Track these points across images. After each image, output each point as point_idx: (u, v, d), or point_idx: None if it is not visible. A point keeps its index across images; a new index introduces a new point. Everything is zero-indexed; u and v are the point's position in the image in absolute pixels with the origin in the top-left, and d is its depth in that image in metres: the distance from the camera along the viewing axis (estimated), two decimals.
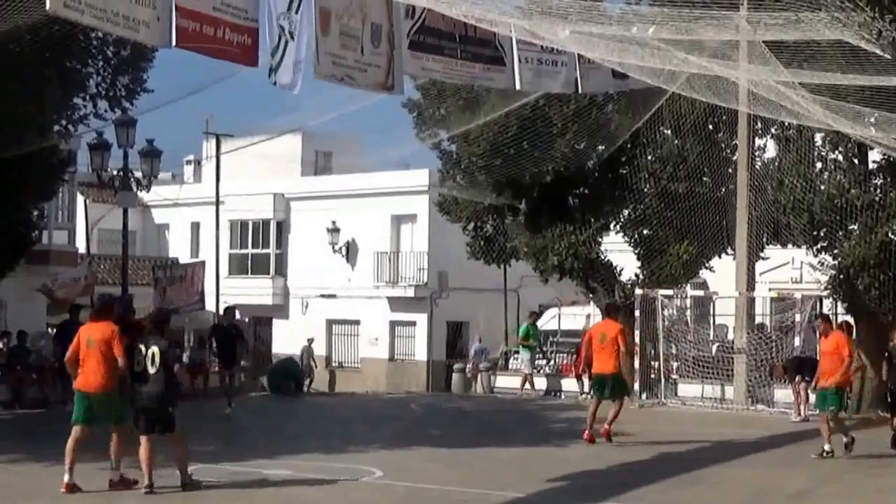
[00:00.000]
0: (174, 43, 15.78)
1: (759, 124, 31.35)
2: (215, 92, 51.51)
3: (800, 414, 27.67)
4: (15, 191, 28.36)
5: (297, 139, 58.59)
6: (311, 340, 48.48)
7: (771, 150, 32.86)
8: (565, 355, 40.92)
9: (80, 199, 44.95)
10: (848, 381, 22.39)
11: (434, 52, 19.77)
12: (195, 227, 59.10)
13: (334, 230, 54.04)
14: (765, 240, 32.52)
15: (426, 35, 19.64)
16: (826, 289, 30.25)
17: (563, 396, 36.91)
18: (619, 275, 36.03)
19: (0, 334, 32.50)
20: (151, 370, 16.39)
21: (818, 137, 29.93)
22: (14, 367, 30.50)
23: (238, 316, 32.95)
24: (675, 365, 33.60)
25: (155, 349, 16.42)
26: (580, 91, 23.42)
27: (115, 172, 36.05)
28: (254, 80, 17.00)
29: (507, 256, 39.33)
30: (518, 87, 21.48)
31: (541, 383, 38.51)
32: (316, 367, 48.32)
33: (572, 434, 23.18)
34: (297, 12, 16.72)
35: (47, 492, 15.72)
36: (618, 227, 35.78)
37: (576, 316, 43.47)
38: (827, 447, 20.39)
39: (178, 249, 58.68)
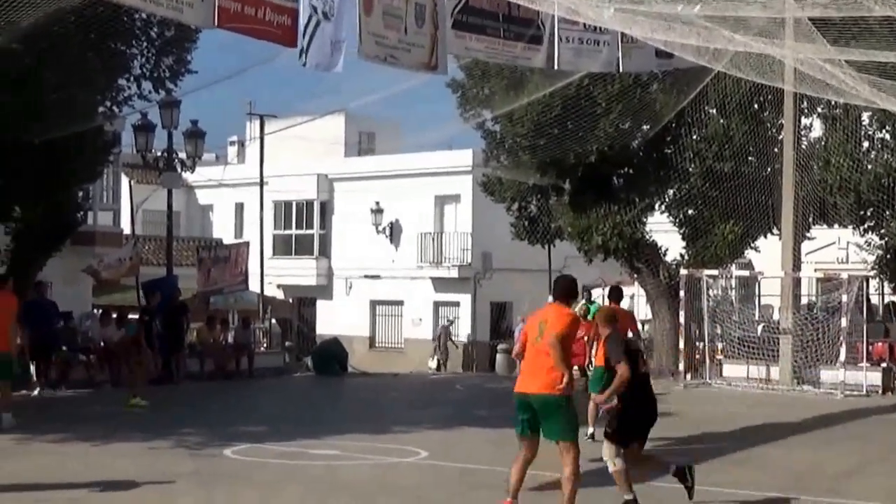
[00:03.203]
0: (216, 23, 15.79)
1: (806, 103, 31.14)
2: (258, 72, 51.51)
3: None
4: (61, 172, 28.48)
5: (341, 120, 58.64)
6: (450, 321, 48.58)
7: (817, 130, 32.66)
8: None
9: (124, 180, 45.12)
10: None
11: (477, 31, 19.72)
12: (239, 207, 59.27)
13: (378, 211, 54.08)
14: (811, 220, 32.33)
15: (469, 14, 19.59)
16: (872, 269, 30.03)
17: None
18: (664, 255, 35.92)
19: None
20: None
21: (865, 116, 29.72)
22: (60, 347, 30.63)
23: (283, 295, 32.98)
24: (719, 346, 33.43)
25: None
26: (622, 70, 23.30)
27: (159, 153, 36.20)
28: (297, 61, 16.98)
29: (551, 237, 39.29)
30: (557, 66, 21.39)
31: None
32: (457, 348, 48.49)
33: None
34: None
35: (96, 471, 15.76)
36: (662, 206, 35.67)
37: None
38: None
39: (222, 230, 58.88)
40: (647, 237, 35.65)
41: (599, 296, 38.75)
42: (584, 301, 30.49)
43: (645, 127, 33.77)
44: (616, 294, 20.90)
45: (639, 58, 22.26)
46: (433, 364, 47.31)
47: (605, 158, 33.76)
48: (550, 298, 13.04)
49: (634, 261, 35.70)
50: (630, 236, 34.71)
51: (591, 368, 20.45)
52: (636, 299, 44.90)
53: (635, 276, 37.32)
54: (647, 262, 35.50)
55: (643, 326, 41.44)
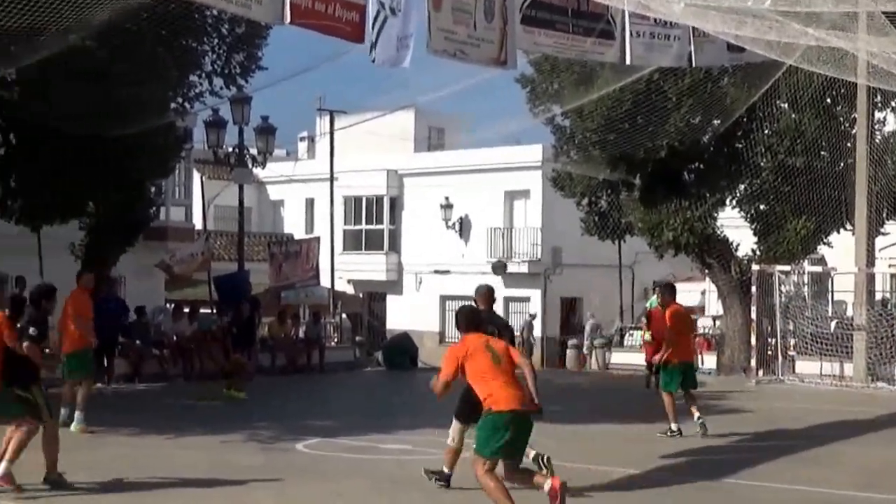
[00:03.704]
0: (287, 20, 15.86)
1: (879, 97, 30.86)
2: (328, 68, 51.67)
3: None
4: (134, 168, 28.73)
5: (410, 115, 58.74)
6: (532, 316, 48.56)
7: (891, 123, 32.35)
8: None
9: (196, 175, 45.47)
10: None
11: (546, 26, 19.66)
12: (309, 203, 59.52)
13: (447, 206, 54.11)
14: (885, 215, 32.05)
15: (538, 9, 19.54)
16: None
17: None
18: (736, 250, 35.71)
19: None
20: None
21: None
22: (133, 341, 30.92)
23: (353, 290, 33.13)
24: (792, 342, 33.20)
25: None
26: (693, 65, 23.16)
27: (230, 149, 36.43)
28: (366, 57, 17.03)
29: (621, 232, 39.18)
30: (628, 61, 21.29)
31: None
32: (534, 342, 48.52)
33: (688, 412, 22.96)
34: None
35: (169, 464, 15.89)
36: (734, 202, 35.46)
37: (691, 292, 43.13)
38: None
39: (293, 226, 59.16)
40: (719, 232, 35.46)
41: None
42: (654, 297, 30.41)
43: (716, 121, 33.57)
44: (669, 291, 20.83)
45: (711, 52, 22.11)
46: None
47: (675, 153, 33.61)
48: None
49: (705, 256, 35.52)
50: (701, 232, 34.53)
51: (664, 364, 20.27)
52: (707, 295, 44.76)
53: (706, 271, 37.14)
54: (718, 258, 35.31)
55: (714, 322, 41.32)
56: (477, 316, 13.33)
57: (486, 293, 15.23)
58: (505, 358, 12.63)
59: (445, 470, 14.54)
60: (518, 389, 12.56)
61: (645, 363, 29.75)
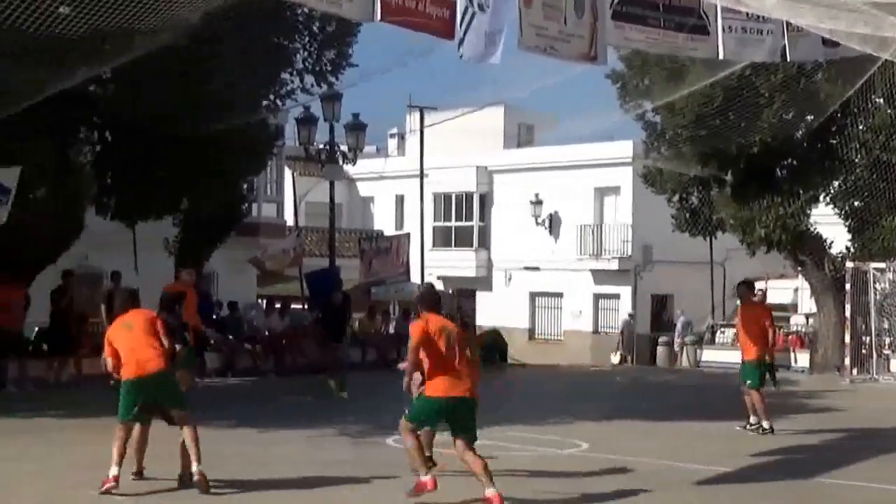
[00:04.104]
0: (378, 17, 15.92)
1: None
2: (419, 65, 51.85)
3: None
4: (226, 165, 29.01)
5: (500, 112, 58.66)
6: (631, 315, 48.45)
7: None
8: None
9: (287, 172, 45.76)
10: None
11: (637, 21, 19.55)
12: (399, 199, 59.69)
13: (537, 202, 54.02)
14: None
15: (629, 5, 19.44)
16: None
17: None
18: (829, 247, 35.36)
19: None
20: None
21: None
22: (226, 336, 31.24)
23: (443, 287, 33.17)
24: (887, 340, 32.82)
25: None
26: (787, 60, 22.94)
27: (321, 146, 36.63)
28: (455, 53, 17.05)
29: (712, 229, 38.92)
30: (721, 56, 21.11)
31: None
32: (633, 342, 48.37)
33: (782, 410, 22.77)
34: None
35: (260, 457, 16.04)
36: (827, 198, 35.12)
37: (783, 290, 42.78)
38: None
39: (383, 222, 59.35)
40: (812, 229, 35.14)
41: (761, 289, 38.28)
42: None
43: (809, 117, 33.26)
44: (743, 288, 20.81)
45: (805, 46, 21.85)
46: (616, 359, 46.96)
47: (767, 149, 33.34)
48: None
49: (798, 253, 35.22)
50: (794, 228, 34.24)
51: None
52: (800, 293, 44.32)
53: (799, 268, 36.81)
54: (811, 255, 34.99)
55: (807, 320, 40.93)
56: (438, 297, 14.17)
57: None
58: (458, 346, 13.56)
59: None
60: (459, 378, 13.63)
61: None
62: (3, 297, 25.65)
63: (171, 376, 13.80)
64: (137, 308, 14.38)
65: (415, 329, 13.45)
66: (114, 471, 13.26)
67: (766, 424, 19.73)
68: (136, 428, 13.77)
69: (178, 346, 14.30)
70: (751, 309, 20.43)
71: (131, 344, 13.64)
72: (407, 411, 13.80)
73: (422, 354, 13.40)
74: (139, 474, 13.96)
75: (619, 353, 47.40)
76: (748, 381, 19.93)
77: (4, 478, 14.35)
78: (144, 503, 13.13)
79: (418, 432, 13.83)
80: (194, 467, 13.41)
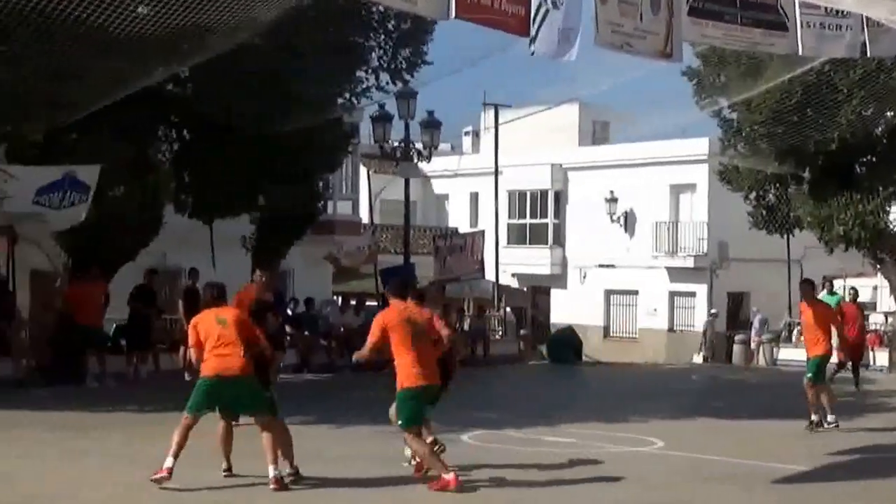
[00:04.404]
0: (452, 14, 15.95)
1: None
2: (494, 62, 51.80)
3: None
4: (302, 163, 29.18)
5: (574, 109, 58.54)
6: (714, 314, 48.23)
7: None
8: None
9: (363, 170, 45.93)
10: None
11: (714, 18, 19.45)
12: (474, 197, 59.71)
13: (612, 200, 53.87)
14: None
15: (706, 1, 19.36)
16: None
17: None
18: None
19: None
20: None
21: None
22: (302, 332, 31.42)
23: (517, 284, 33.18)
24: None
25: None
26: (867, 55, 22.74)
27: (396, 144, 36.73)
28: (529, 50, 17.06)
29: (790, 226, 38.66)
30: (800, 52, 20.96)
31: None
32: (715, 340, 48.07)
33: (860, 409, 22.60)
34: None
35: (334, 453, 16.13)
36: None
37: (863, 288, 42.41)
38: None
39: (458, 219, 59.43)
40: (892, 227, 34.78)
41: (840, 286, 38.09)
42: (825, 292, 30.02)
43: (889, 113, 32.93)
44: (809, 286, 20.78)
45: (885, 42, 21.62)
46: (699, 359, 46.66)
47: (846, 146, 33.03)
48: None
49: (878, 251, 34.87)
50: (873, 226, 33.91)
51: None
52: (879, 291, 43.89)
53: (878, 266, 36.45)
54: (890, 253, 34.65)
55: (886, 319, 40.55)
56: (405, 284, 14.87)
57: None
58: (427, 331, 14.07)
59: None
60: (427, 366, 13.90)
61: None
62: (83, 293, 25.94)
63: (251, 382, 13.70)
64: (225, 304, 14.37)
65: (375, 320, 14.23)
66: (168, 462, 13.22)
67: (814, 418, 19.78)
68: (222, 424, 13.78)
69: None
70: (813, 307, 20.37)
71: (219, 341, 13.56)
72: (400, 421, 13.96)
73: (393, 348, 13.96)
74: (229, 471, 13.91)
75: (702, 353, 47.10)
76: (808, 375, 19.96)
77: (84, 471, 14.53)
78: (222, 498, 13.26)
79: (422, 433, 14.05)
80: (270, 471, 13.40)
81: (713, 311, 48.66)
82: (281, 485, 13.37)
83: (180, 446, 13.30)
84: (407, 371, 13.79)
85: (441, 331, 14.43)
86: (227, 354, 13.51)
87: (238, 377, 13.51)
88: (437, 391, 14.36)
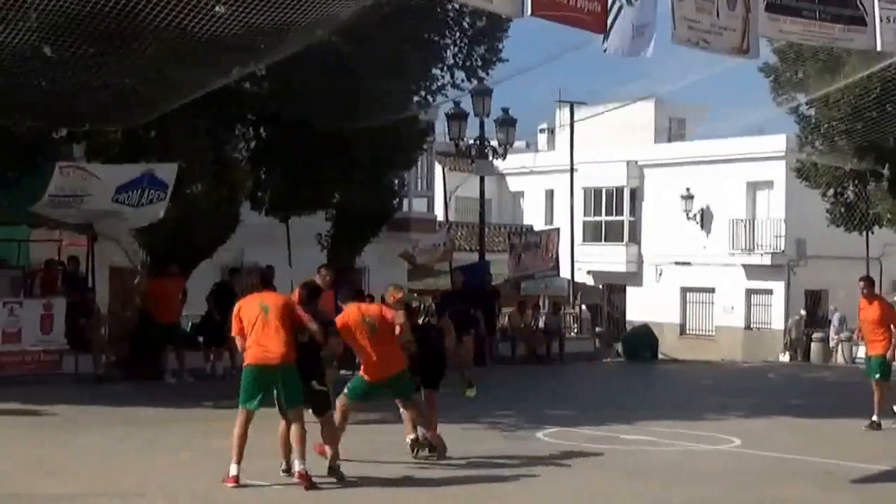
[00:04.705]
0: (528, 12, 15.95)
1: None
2: (568, 60, 51.76)
3: None
4: (378, 160, 29.27)
5: (650, 106, 58.32)
6: (802, 315, 47.93)
7: None
8: None
9: (438, 167, 46.00)
10: None
11: (791, 13, 19.32)
12: (549, 194, 59.65)
13: (688, 197, 53.63)
14: None
15: None
16: None
17: None
18: None
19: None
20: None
21: None
22: None
23: (592, 282, 33.09)
24: None
25: None
26: None
27: (471, 141, 36.77)
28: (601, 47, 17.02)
29: (869, 223, 38.29)
30: (879, 47, 20.78)
31: None
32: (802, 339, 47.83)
33: None
34: None
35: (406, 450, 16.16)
36: None
37: None
38: None
39: (533, 216, 59.40)
40: None
41: None
42: None
43: None
44: (867, 283, 20.69)
45: None
46: (784, 357, 46.32)
47: None
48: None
49: None
50: None
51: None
52: None
53: None
54: None
55: None
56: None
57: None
58: (380, 326, 14.38)
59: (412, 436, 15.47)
60: (385, 359, 14.44)
61: None
62: (161, 290, 26.19)
63: (291, 371, 13.39)
64: (272, 290, 14.06)
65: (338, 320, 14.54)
66: (233, 470, 13.11)
67: (875, 417, 19.66)
68: (282, 424, 13.53)
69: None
70: (874, 303, 20.20)
71: (262, 328, 13.33)
72: (346, 389, 14.71)
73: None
74: (287, 471, 13.67)
75: (787, 352, 46.75)
76: (875, 375, 19.83)
77: (164, 466, 14.68)
78: (288, 495, 13.31)
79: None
80: (297, 465, 13.23)
81: (801, 311, 48.18)
82: (308, 479, 13.20)
83: (240, 448, 13.21)
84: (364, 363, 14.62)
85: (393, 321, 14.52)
86: (269, 342, 13.28)
87: (278, 365, 13.28)
88: (397, 382, 14.88)
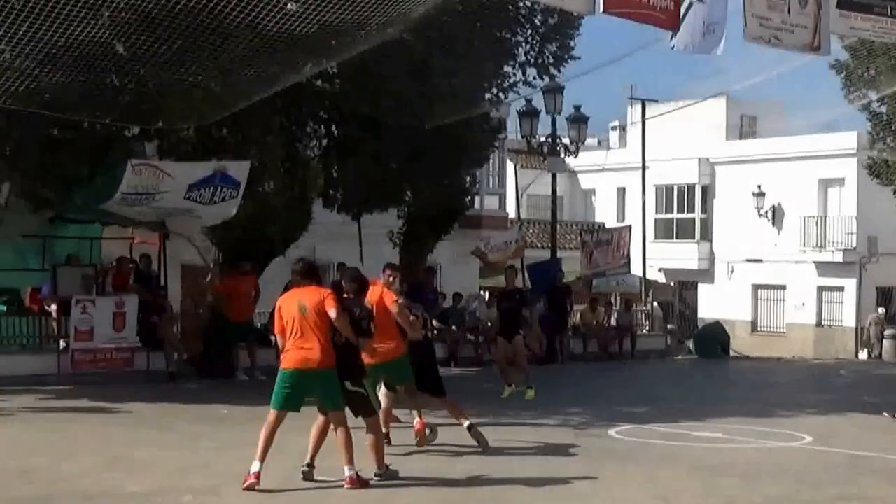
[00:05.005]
0: (600, 9, 16.01)
1: None
2: (639, 57, 51.66)
3: None
4: (450, 158, 29.36)
5: (722, 103, 58.10)
6: (882, 313, 47.66)
7: None
8: None
9: (510, 165, 46.07)
10: None
11: (862, 10, 19.28)
12: (621, 191, 59.59)
13: (760, 194, 53.41)
14: None
15: None
16: None
17: None
18: None
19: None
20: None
21: None
22: (450, 327, 31.65)
23: (664, 279, 33.06)
24: None
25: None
26: None
27: (543, 138, 36.82)
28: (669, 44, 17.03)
29: None
30: None
31: None
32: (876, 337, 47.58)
33: None
34: None
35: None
36: None
37: None
38: None
39: (605, 214, 59.35)
40: None
41: None
42: None
43: None
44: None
45: None
46: (863, 355, 46.01)
47: None
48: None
49: None
50: None
51: None
52: None
53: None
54: None
55: None
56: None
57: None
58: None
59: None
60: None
61: None
62: (233, 288, 26.37)
63: (329, 376, 13.08)
64: (315, 284, 13.42)
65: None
66: (255, 466, 12.87)
67: None
68: (320, 418, 13.39)
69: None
70: None
71: (299, 330, 13.04)
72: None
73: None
74: (310, 466, 13.35)
75: (866, 349, 46.41)
76: None
77: (236, 462, 14.80)
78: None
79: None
80: (346, 471, 12.97)
81: (880, 309, 47.80)
82: (358, 482, 12.96)
83: (265, 448, 13.01)
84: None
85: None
86: (306, 346, 13.00)
87: (316, 370, 13.01)
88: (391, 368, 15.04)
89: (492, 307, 33.15)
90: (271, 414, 13.19)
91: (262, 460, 12.95)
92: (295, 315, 13.08)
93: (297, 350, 13.06)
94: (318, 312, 13.01)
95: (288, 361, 13.15)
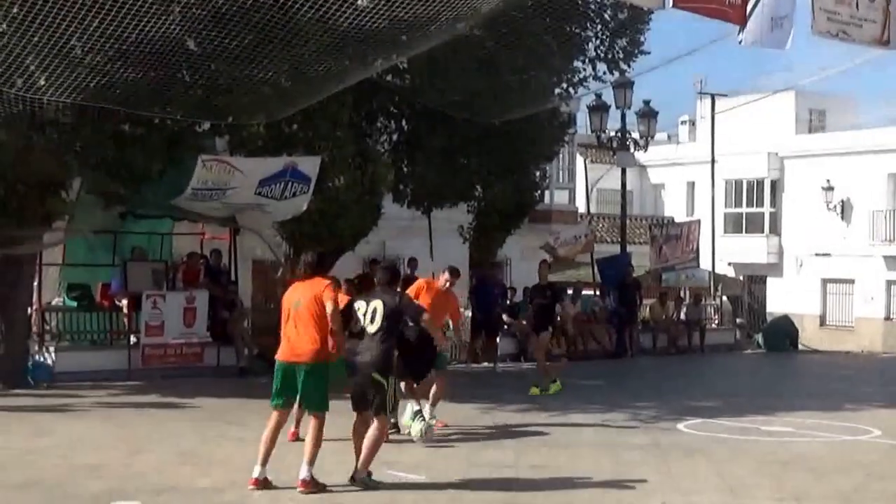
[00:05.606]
0: (669, 4, 16.08)
1: None
2: (709, 51, 51.46)
3: None
4: (520, 153, 29.46)
5: (791, 97, 57.68)
6: None
7: None
8: None
9: (579, 159, 46.08)
10: None
11: None
12: (690, 186, 59.37)
13: (829, 188, 53.06)
14: None
15: None
16: None
17: None
18: None
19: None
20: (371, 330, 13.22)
21: None
22: (519, 322, 31.73)
23: (733, 273, 32.95)
24: None
25: (378, 305, 13.23)
26: None
27: (612, 133, 36.84)
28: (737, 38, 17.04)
29: None
30: None
31: None
32: None
33: None
34: None
35: (554, 441, 16.34)
36: None
37: None
38: None
39: (674, 208, 59.17)
40: None
41: None
42: None
43: None
44: None
45: None
46: None
47: None
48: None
49: None
50: None
51: None
52: None
53: None
54: None
55: None
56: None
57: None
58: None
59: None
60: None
61: None
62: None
63: (318, 372, 12.71)
64: (319, 275, 13.07)
65: None
66: (256, 471, 12.66)
67: None
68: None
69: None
70: None
71: (292, 323, 12.75)
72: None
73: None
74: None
75: None
76: None
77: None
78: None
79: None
80: (304, 470, 12.51)
81: None
82: (311, 486, 12.49)
83: (267, 452, 12.74)
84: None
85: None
86: (296, 339, 12.67)
87: (301, 364, 12.67)
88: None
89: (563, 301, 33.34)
90: (272, 415, 12.99)
91: (264, 465, 12.72)
92: (290, 308, 12.86)
93: (286, 342, 12.83)
94: (315, 304, 12.69)
95: (279, 353, 12.94)
